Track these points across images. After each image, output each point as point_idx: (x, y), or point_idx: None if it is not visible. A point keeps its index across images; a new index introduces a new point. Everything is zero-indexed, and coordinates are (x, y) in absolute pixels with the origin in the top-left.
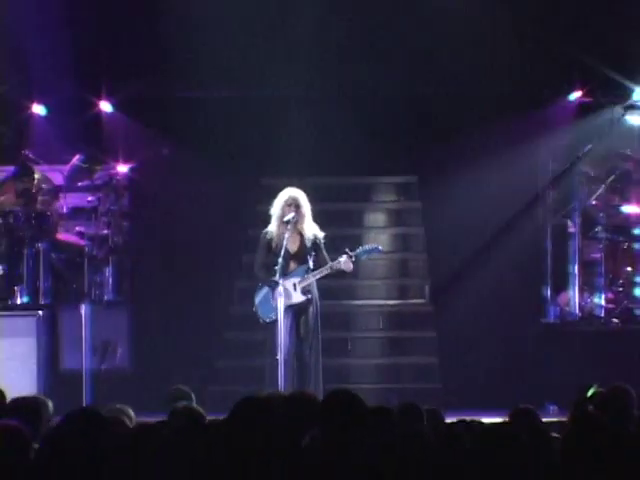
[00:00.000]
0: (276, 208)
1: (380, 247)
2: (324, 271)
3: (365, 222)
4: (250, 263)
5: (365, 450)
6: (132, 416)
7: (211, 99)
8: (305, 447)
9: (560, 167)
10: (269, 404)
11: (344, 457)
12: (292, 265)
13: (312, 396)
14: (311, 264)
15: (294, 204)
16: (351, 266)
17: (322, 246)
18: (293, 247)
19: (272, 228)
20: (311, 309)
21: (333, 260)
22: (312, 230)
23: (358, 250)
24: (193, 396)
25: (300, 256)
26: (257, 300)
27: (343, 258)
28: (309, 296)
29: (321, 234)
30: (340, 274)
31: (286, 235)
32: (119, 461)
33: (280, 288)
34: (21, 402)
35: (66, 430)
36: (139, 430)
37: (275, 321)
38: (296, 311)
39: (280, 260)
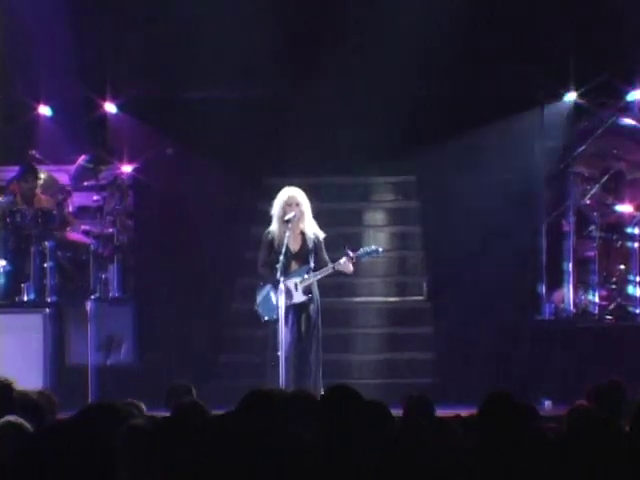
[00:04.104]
0: (276, 208)
1: (380, 249)
2: (325, 272)
3: (364, 221)
4: (252, 261)
5: (364, 445)
6: (144, 411)
7: (213, 99)
8: (306, 441)
9: (555, 167)
10: (274, 398)
11: (344, 452)
12: (294, 265)
13: (311, 395)
14: (312, 264)
15: (294, 203)
16: (351, 267)
17: (322, 247)
18: (295, 247)
19: (274, 228)
20: (312, 307)
21: (333, 260)
22: (313, 230)
23: (359, 252)
24: (194, 390)
25: (302, 256)
26: (258, 299)
27: (344, 259)
28: (310, 295)
29: (322, 234)
30: (340, 273)
31: (287, 234)
32: (132, 454)
33: (281, 286)
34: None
35: (80, 423)
36: (151, 425)
37: (276, 320)
38: (297, 310)
39: (281, 259)
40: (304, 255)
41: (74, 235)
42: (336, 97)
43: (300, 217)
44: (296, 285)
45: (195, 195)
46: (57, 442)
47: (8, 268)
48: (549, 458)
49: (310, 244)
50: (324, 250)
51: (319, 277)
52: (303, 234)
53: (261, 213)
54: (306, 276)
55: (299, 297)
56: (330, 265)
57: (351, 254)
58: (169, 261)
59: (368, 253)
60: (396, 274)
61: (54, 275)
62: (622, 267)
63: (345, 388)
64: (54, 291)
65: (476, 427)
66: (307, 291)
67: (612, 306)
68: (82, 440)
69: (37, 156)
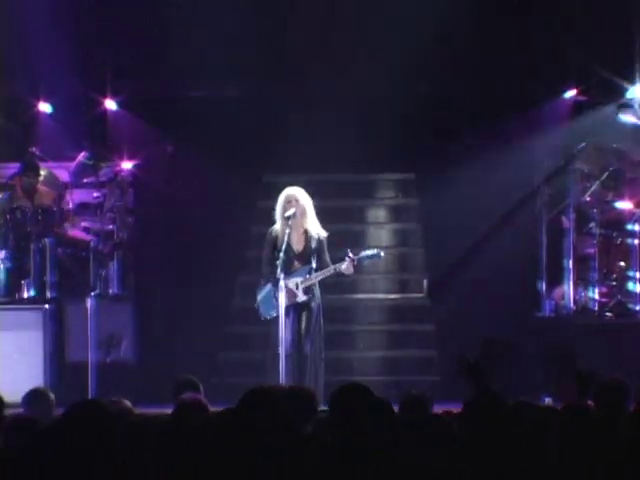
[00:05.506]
0: (278, 207)
1: (382, 253)
2: (326, 273)
3: (365, 218)
4: (252, 258)
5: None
6: (130, 408)
7: (213, 97)
8: (310, 439)
9: (555, 164)
10: (274, 395)
11: (350, 449)
12: (296, 264)
13: (310, 391)
14: (314, 264)
15: (293, 199)
16: (352, 270)
17: (325, 247)
18: (298, 247)
19: (277, 226)
20: (313, 305)
21: (334, 261)
22: (316, 229)
23: (360, 255)
24: (201, 386)
25: (304, 256)
26: (259, 297)
27: (345, 262)
28: (310, 295)
29: (324, 234)
30: (340, 275)
31: (287, 231)
32: (122, 452)
33: (282, 284)
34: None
35: (69, 421)
36: (143, 421)
37: (276, 318)
38: (298, 309)
39: (282, 256)
40: (307, 255)
41: (73, 232)
42: (336, 95)
43: (301, 214)
44: (297, 285)
45: (195, 192)
46: (47, 440)
47: (8, 264)
48: (541, 456)
49: (313, 244)
50: (326, 250)
51: (320, 278)
52: (306, 233)
53: (261, 211)
54: (307, 276)
55: (300, 297)
56: (331, 267)
57: (352, 257)
58: (169, 258)
59: (369, 257)
60: (397, 271)
61: (54, 272)
62: (622, 264)
63: (359, 386)
64: (54, 288)
65: (465, 424)
66: (308, 291)
67: (612, 303)
68: (68, 439)
69: (37, 153)
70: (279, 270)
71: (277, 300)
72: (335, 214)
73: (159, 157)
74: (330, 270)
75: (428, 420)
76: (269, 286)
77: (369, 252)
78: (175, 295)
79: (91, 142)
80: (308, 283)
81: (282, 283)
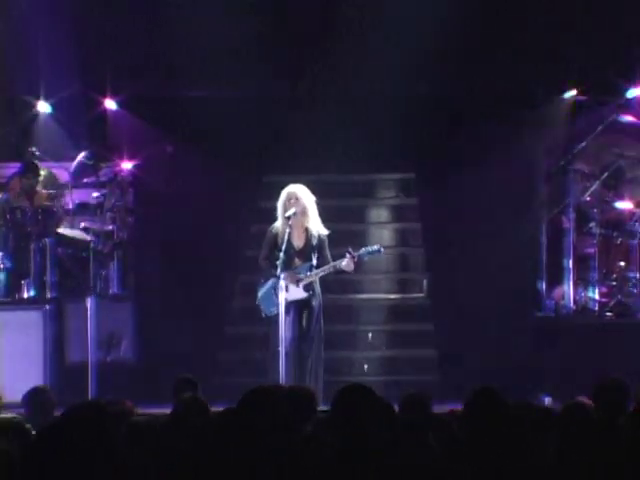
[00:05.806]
0: (279, 205)
1: (382, 248)
2: (326, 270)
3: (365, 218)
4: (252, 258)
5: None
6: (131, 409)
7: (214, 97)
8: (310, 439)
9: (555, 164)
10: (274, 395)
11: (351, 449)
12: (297, 261)
13: (310, 391)
14: (315, 261)
15: (293, 198)
16: (352, 266)
17: (326, 245)
18: (299, 244)
19: (278, 224)
20: (314, 303)
21: (335, 258)
22: (317, 227)
23: (360, 251)
24: (199, 386)
25: (305, 253)
26: (260, 295)
27: (345, 259)
28: (310, 292)
29: (325, 232)
30: (341, 272)
31: (287, 230)
32: (122, 452)
33: (282, 282)
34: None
35: (68, 423)
36: (143, 421)
37: (276, 315)
38: (298, 306)
39: (282, 255)
40: (307, 252)
41: (72, 232)
42: (336, 96)
43: (302, 212)
44: (298, 281)
45: (195, 192)
46: (47, 441)
47: (8, 264)
48: (541, 456)
49: (314, 241)
50: (327, 248)
51: (321, 275)
52: (307, 231)
53: (261, 211)
54: (308, 273)
55: (300, 293)
56: (332, 264)
57: (352, 253)
58: (169, 258)
59: (369, 252)
60: (397, 271)
61: (54, 272)
62: (622, 264)
63: (360, 386)
64: (54, 288)
65: (465, 424)
66: (308, 288)
67: (612, 303)
68: (67, 439)
69: (37, 153)
70: (279, 270)
71: (278, 297)
72: (335, 214)
73: (159, 157)
74: (330, 267)
75: (428, 420)
76: (270, 283)
77: (369, 248)
78: (175, 295)
79: (91, 142)
80: (308, 280)
81: (282, 282)
